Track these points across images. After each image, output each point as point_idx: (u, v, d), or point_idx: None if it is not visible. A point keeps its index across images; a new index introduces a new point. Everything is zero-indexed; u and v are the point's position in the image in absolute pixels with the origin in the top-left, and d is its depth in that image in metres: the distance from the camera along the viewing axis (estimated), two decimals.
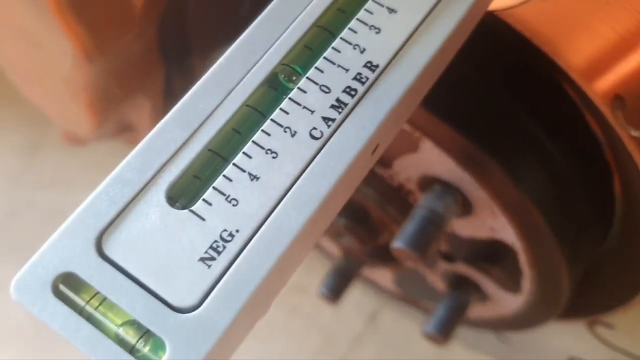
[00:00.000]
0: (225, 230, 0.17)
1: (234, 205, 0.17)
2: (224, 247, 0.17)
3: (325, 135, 0.18)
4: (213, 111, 0.18)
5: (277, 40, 0.19)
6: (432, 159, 0.32)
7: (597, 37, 0.27)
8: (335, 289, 0.44)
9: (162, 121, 0.18)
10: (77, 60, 0.34)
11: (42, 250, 0.16)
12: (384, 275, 0.47)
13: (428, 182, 0.34)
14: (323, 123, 0.18)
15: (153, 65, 0.41)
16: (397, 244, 0.32)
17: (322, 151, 0.18)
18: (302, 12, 0.20)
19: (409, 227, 0.32)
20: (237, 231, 0.17)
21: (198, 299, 0.16)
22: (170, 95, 0.48)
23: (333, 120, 0.18)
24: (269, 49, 0.19)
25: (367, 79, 0.19)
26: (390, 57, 0.19)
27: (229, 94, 0.19)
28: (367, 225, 0.39)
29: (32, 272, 0.16)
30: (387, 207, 0.37)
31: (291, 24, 0.20)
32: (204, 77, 0.19)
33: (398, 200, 0.36)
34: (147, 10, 0.34)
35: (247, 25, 0.36)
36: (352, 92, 0.19)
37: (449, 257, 0.39)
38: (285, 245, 0.17)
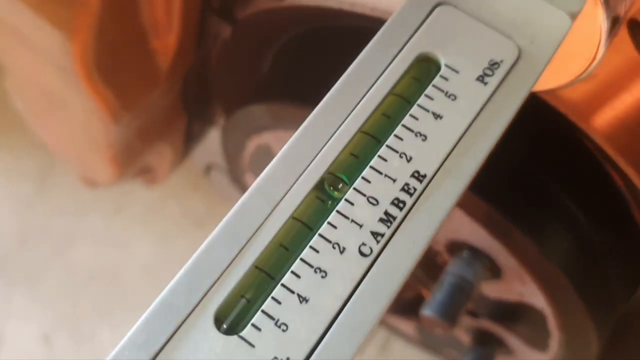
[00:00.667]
0: (275, 357, 0.16)
1: (283, 330, 0.17)
2: None
3: (375, 251, 0.18)
4: (261, 225, 0.18)
5: (323, 147, 0.19)
6: (461, 226, 0.32)
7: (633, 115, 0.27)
8: None
9: (209, 238, 0.18)
10: (103, 121, 0.34)
11: None
12: (406, 324, 0.46)
13: (457, 247, 0.33)
14: (372, 238, 0.18)
15: (176, 116, 0.41)
16: (427, 312, 0.32)
17: (372, 270, 0.18)
18: (348, 116, 0.19)
19: (438, 295, 0.32)
20: (288, 359, 0.16)
21: None
22: (189, 138, 0.47)
23: (382, 235, 0.18)
24: (315, 156, 0.19)
25: (415, 189, 0.19)
26: (437, 166, 0.19)
27: (276, 205, 0.18)
28: None
29: None
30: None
31: (337, 129, 0.19)
32: (250, 190, 0.18)
33: (425, 260, 0.36)
34: (173, 71, 0.34)
35: (268, 84, 0.36)
36: (401, 205, 0.18)
37: (473, 314, 0.39)
38: None
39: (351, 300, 0.17)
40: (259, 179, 0.19)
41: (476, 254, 0.33)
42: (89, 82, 0.31)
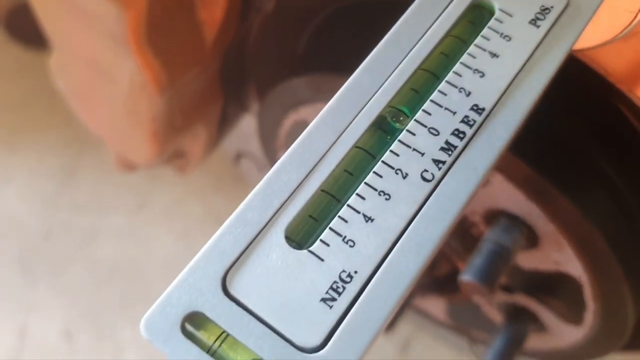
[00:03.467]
0: (344, 271, 0.17)
1: (350, 246, 0.17)
2: (344, 287, 0.17)
3: (437, 177, 0.18)
4: (325, 153, 0.19)
5: (383, 83, 0.20)
6: (500, 193, 0.32)
7: None
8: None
9: (279, 162, 0.18)
10: (148, 92, 0.35)
11: (170, 289, 0.17)
12: (435, 305, 0.47)
13: (494, 215, 0.34)
14: (434, 165, 0.19)
15: (213, 97, 0.42)
16: (467, 277, 0.32)
17: (435, 193, 0.18)
18: (406, 56, 0.20)
19: (477, 260, 0.32)
20: (356, 272, 0.17)
21: (322, 340, 0.16)
22: (224, 123, 0.48)
23: (443, 162, 0.19)
24: (376, 92, 0.20)
25: (475, 122, 0.19)
26: (495, 101, 0.20)
27: (340, 135, 0.19)
28: None
29: (161, 312, 0.16)
30: (449, 239, 0.37)
31: (396, 67, 0.20)
32: (315, 120, 0.19)
33: (461, 232, 0.36)
34: (216, 45, 0.35)
35: (305, 60, 0.37)
36: (461, 135, 0.19)
37: (507, 288, 0.39)
38: (404, 288, 0.17)
39: (415, 220, 0.18)
40: (323, 111, 0.19)
41: (514, 221, 0.33)
42: (140, 51, 0.32)
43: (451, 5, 0.21)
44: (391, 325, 0.45)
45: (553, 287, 0.36)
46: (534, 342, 0.42)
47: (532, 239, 0.34)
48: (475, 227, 0.36)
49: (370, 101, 0.20)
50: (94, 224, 0.77)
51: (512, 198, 0.32)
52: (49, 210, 0.78)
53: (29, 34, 0.40)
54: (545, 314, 0.39)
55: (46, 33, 0.38)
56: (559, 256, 0.33)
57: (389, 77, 0.20)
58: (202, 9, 0.32)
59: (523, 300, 0.39)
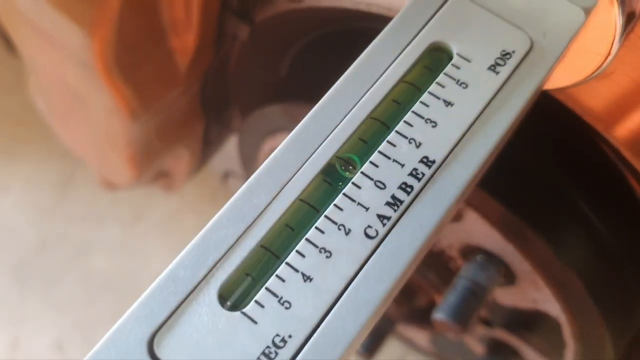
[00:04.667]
0: (277, 335, 0.16)
1: (286, 308, 0.17)
2: (276, 353, 0.16)
3: (381, 234, 0.18)
4: (267, 206, 0.18)
5: (332, 132, 0.19)
6: (475, 230, 0.31)
7: None
8: (370, 348, 0.43)
9: (216, 216, 0.18)
10: (122, 118, 0.34)
11: (94, 351, 0.16)
12: (419, 334, 0.46)
13: (470, 251, 0.33)
14: (378, 221, 0.18)
15: (194, 118, 0.41)
16: (439, 316, 0.31)
17: (377, 251, 0.17)
18: (357, 102, 0.20)
19: (451, 298, 0.32)
20: (290, 337, 0.16)
21: None
22: (208, 144, 0.48)
23: (388, 218, 0.18)
24: (323, 141, 0.19)
25: (424, 174, 0.19)
26: (447, 152, 0.19)
27: (283, 187, 0.18)
28: (404, 288, 0.38)
29: None
30: (427, 272, 0.36)
31: (346, 115, 0.19)
32: (258, 170, 0.19)
33: (438, 266, 0.35)
34: (191, 71, 0.35)
35: (288, 87, 0.37)
36: (408, 189, 0.18)
37: (487, 323, 0.38)
38: (339, 354, 0.16)
39: (355, 280, 0.17)
40: (267, 160, 0.19)
41: (490, 258, 0.32)
42: (109, 79, 0.31)
43: (410, 45, 0.21)
44: (372, 353, 0.45)
45: (533, 325, 0.35)
46: None
47: (509, 277, 0.33)
48: (452, 262, 0.35)
49: (317, 151, 0.19)
50: (89, 236, 0.77)
51: (487, 235, 0.31)
52: (44, 221, 0.78)
53: None
54: (526, 350, 0.38)
55: (21, 57, 0.38)
56: (537, 295, 0.33)
57: (337, 125, 0.19)
58: (174, 37, 0.32)
59: (503, 335, 0.38)
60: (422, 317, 0.40)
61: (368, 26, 0.31)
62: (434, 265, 0.36)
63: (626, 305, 0.32)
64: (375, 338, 0.43)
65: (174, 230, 0.77)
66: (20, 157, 0.81)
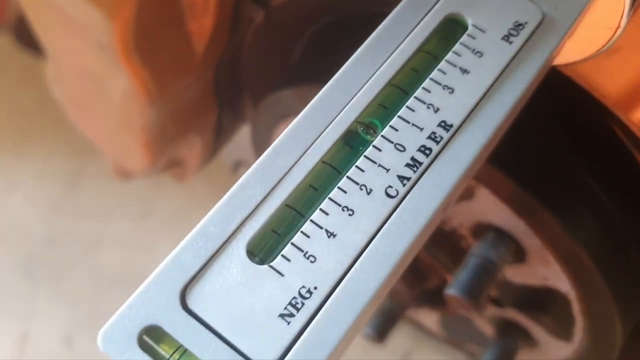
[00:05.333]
0: (303, 286, 0.17)
1: (311, 262, 0.17)
2: (303, 303, 0.17)
3: (401, 193, 0.18)
4: (291, 168, 0.19)
5: (352, 98, 0.20)
6: (487, 207, 0.32)
7: None
8: (381, 330, 0.44)
9: (244, 176, 0.19)
10: (139, 102, 0.35)
11: (129, 302, 0.17)
12: (429, 317, 0.46)
13: (481, 229, 0.34)
14: (398, 182, 0.19)
15: (207, 106, 0.42)
16: (451, 291, 0.32)
17: (398, 210, 0.18)
18: (376, 71, 0.20)
19: (463, 274, 0.32)
20: (315, 288, 0.17)
21: (278, 356, 0.16)
22: (220, 133, 0.49)
23: (408, 179, 0.19)
24: (344, 107, 0.20)
25: (442, 138, 0.19)
26: (464, 117, 0.20)
27: (306, 150, 0.19)
28: (415, 270, 0.39)
29: (119, 324, 0.16)
30: (438, 253, 0.37)
31: (366, 82, 0.20)
32: (283, 134, 0.19)
33: (449, 245, 0.36)
34: (207, 55, 0.35)
35: (299, 70, 0.37)
36: (427, 152, 0.19)
37: (498, 303, 0.39)
38: (363, 305, 0.17)
39: (377, 236, 0.18)
40: (291, 125, 0.20)
41: (501, 236, 0.33)
42: (128, 61, 0.32)
43: (425, 19, 0.21)
44: (383, 336, 0.45)
45: (542, 302, 0.36)
46: (525, 356, 0.42)
47: (519, 254, 0.33)
48: (463, 240, 0.36)
49: (339, 116, 0.20)
50: (98, 231, 0.78)
51: (498, 212, 0.32)
52: (53, 216, 0.78)
53: (38, 41, 0.41)
54: (536, 329, 0.38)
55: (40, 42, 0.39)
56: (547, 272, 0.33)
57: (358, 92, 0.20)
58: (192, 20, 0.33)
59: (513, 314, 0.39)
60: (433, 298, 0.41)
61: (384, 11, 0.32)
62: (445, 245, 0.36)
63: (635, 282, 0.33)
64: (385, 320, 0.44)
65: (183, 224, 0.77)
66: (29, 152, 0.82)
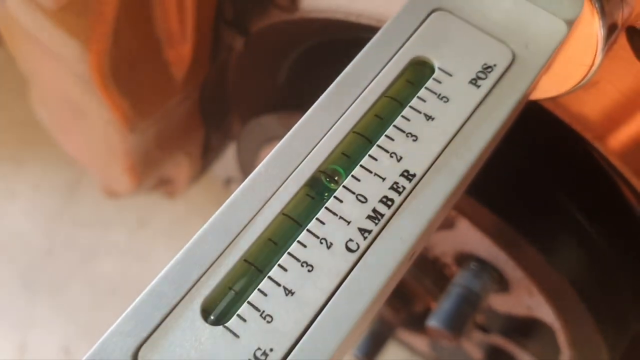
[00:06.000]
0: (259, 348, 0.17)
1: (268, 322, 0.17)
2: None
3: (362, 247, 0.18)
4: (251, 219, 0.18)
5: (314, 147, 0.19)
6: (468, 237, 0.32)
7: (637, 123, 0.27)
8: (369, 353, 0.44)
9: (200, 231, 0.18)
10: (119, 129, 0.35)
11: None
12: (418, 339, 0.46)
13: (464, 258, 0.33)
14: (359, 235, 0.18)
15: (193, 126, 0.42)
16: (433, 323, 0.32)
17: (358, 265, 0.18)
18: (340, 117, 0.20)
19: (445, 305, 0.32)
20: (271, 350, 0.17)
21: None
22: (209, 151, 0.48)
23: (369, 231, 0.18)
24: (306, 156, 0.19)
25: (404, 188, 0.19)
26: (427, 166, 0.19)
27: (266, 201, 0.19)
28: (401, 295, 0.39)
29: None
30: (422, 279, 0.36)
31: (329, 130, 0.20)
32: (242, 185, 0.19)
33: (433, 272, 0.36)
34: (188, 82, 0.35)
35: (285, 95, 0.37)
36: (389, 203, 0.19)
37: (484, 329, 0.38)
38: None
39: (336, 294, 0.17)
40: (251, 175, 0.19)
41: (484, 265, 0.32)
42: (105, 91, 0.32)
43: (392, 60, 0.21)
44: (372, 359, 0.45)
45: (528, 331, 0.35)
46: None
47: (503, 284, 0.33)
48: (447, 268, 0.35)
49: (300, 166, 0.19)
50: (96, 241, 0.78)
51: (479, 243, 0.31)
52: (51, 227, 0.78)
53: None
54: (523, 356, 0.38)
55: (20, 68, 0.38)
56: (531, 301, 0.33)
57: (320, 140, 0.20)
58: (169, 48, 0.32)
59: (500, 341, 0.38)
60: (419, 322, 0.41)
61: (359, 36, 0.31)
62: (429, 271, 0.36)
63: (620, 311, 0.32)
64: (374, 343, 0.44)
65: (179, 234, 0.77)
66: (27, 163, 0.82)
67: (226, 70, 0.39)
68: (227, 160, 0.53)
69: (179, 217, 0.78)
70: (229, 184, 0.58)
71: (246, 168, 0.42)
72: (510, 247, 0.30)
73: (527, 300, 0.33)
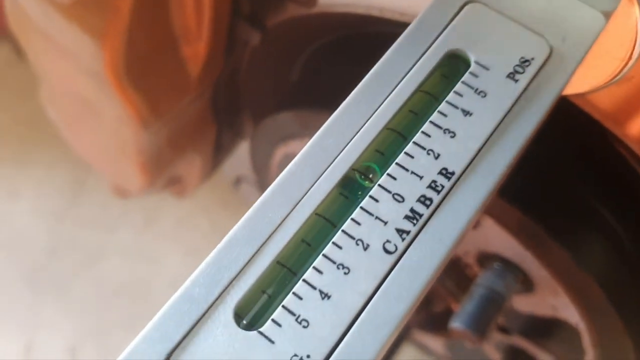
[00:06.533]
0: (295, 355, 0.16)
1: (304, 327, 0.16)
2: None
3: (400, 249, 0.17)
4: (282, 221, 0.18)
5: (347, 144, 0.19)
6: (492, 237, 0.31)
7: None
8: (385, 353, 0.43)
9: (230, 232, 0.17)
10: (133, 127, 0.34)
11: None
12: (434, 340, 0.45)
13: (487, 258, 0.32)
14: (397, 236, 0.17)
15: (206, 124, 0.41)
16: (457, 324, 0.31)
17: (397, 267, 0.17)
18: (373, 113, 0.19)
19: (469, 306, 0.31)
20: (308, 357, 0.16)
21: None
22: (220, 150, 0.48)
23: (408, 232, 0.17)
24: (339, 154, 0.19)
25: (443, 187, 0.18)
26: (466, 164, 0.18)
27: (298, 202, 0.18)
28: None
29: None
30: (444, 279, 0.35)
31: (362, 126, 0.19)
32: (272, 185, 0.18)
33: (455, 272, 0.35)
34: (203, 78, 0.34)
35: (300, 92, 0.36)
36: (427, 202, 0.18)
37: (505, 330, 0.38)
38: None
39: (374, 297, 0.17)
40: (282, 174, 0.18)
41: (507, 265, 0.32)
42: (119, 88, 0.31)
43: (426, 54, 0.20)
44: (386, 359, 0.44)
45: (551, 332, 0.35)
46: None
47: (527, 284, 0.32)
48: (469, 269, 0.35)
49: (332, 164, 0.18)
50: (101, 241, 0.77)
51: (504, 243, 0.30)
52: (56, 227, 0.78)
53: None
54: (543, 357, 0.37)
55: (32, 67, 0.38)
56: (555, 302, 0.32)
57: (353, 137, 0.19)
58: (185, 45, 0.31)
59: (521, 342, 0.37)
60: (438, 323, 0.40)
61: (380, 31, 0.31)
62: (450, 272, 0.35)
63: None
64: (391, 343, 0.43)
65: (186, 234, 0.77)
66: (32, 162, 0.81)
67: (240, 67, 0.39)
68: (236, 159, 0.53)
69: (185, 217, 0.78)
70: (238, 183, 0.57)
71: (260, 168, 0.41)
72: (536, 246, 0.29)
73: (551, 300, 0.32)
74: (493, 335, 0.39)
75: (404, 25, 0.25)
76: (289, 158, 0.37)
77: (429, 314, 0.40)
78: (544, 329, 0.35)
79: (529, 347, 0.37)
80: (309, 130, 0.33)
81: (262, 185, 0.46)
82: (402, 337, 0.44)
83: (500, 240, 0.30)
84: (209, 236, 0.75)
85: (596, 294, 0.30)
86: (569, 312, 0.32)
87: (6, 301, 0.73)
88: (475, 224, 0.31)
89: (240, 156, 0.52)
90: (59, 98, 0.39)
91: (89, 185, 0.80)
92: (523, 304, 0.34)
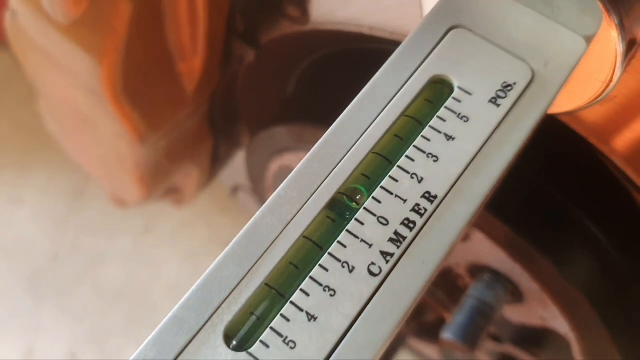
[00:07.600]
0: None
1: (291, 348, 0.17)
2: None
3: (384, 271, 0.18)
4: (272, 243, 0.18)
5: (334, 168, 0.19)
6: (482, 249, 0.31)
7: None
8: None
9: (221, 255, 0.18)
10: (130, 142, 0.34)
11: None
12: (429, 348, 0.46)
13: (478, 270, 0.33)
14: (381, 258, 0.18)
15: (203, 136, 0.42)
16: (448, 335, 0.31)
17: (381, 289, 0.18)
18: (359, 138, 0.20)
19: (459, 317, 0.32)
20: None
21: None
22: (216, 160, 0.48)
23: (392, 255, 0.18)
24: (326, 177, 0.19)
25: (426, 210, 0.19)
26: (448, 187, 0.19)
27: (287, 225, 0.19)
28: None
29: None
30: (435, 290, 0.36)
31: (349, 150, 0.20)
32: (261, 209, 0.19)
33: (446, 283, 0.36)
34: (198, 94, 0.35)
35: (294, 107, 0.37)
36: (411, 225, 0.18)
37: (497, 339, 0.38)
38: None
39: (359, 319, 0.17)
40: (271, 198, 0.19)
41: (497, 277, 0.32)
42: (116, 104, 0.32)
43: (411, 79, 0.21)
44: None
45: (541, 341, 0.35)
46: None
47: (517, 295, 0.33)
48: (460, 279, 0.35)
49: (320, 187, 0.19)
50: (102, 247, 0.78)
51: (493, 255, 0.31)
52: (57, 232, 0.79)
53: None
54: None
55: (29, 79, 0.38)
56: (545, 313, 0.33)
57: (341, 160, 0.19)
58: (181, 61, 0.32)
59: (513, 351, 0.38)
60: (430, 333, 0.40)
61: (370, 47, 0.31)
62: (442, 282, 0.36)
63: (635, 322, 0.32)
64: (385, 353, 0.43)
65: (185, 240, 0.77)
66: (33, 168, 0.82)
67: (235, 82, 0.39)
68: (234, 168, 0.53)
69: (184, 224, 0.78)
70: (235, 191, 0.58)
71: (256, 179, 0.42)
72: (524, 259, 0.30)
73: (541, 311, 0.33)
74: (485, 344, 0.39)
75: (393, 43, 0.26)
76: (283, 170, 0.38)
77: (421, 324, 0.40)
78: (534, 338, 0.35)
79: (520, 356, 0.38)
80: (302, 144, 0.34)
81: (259, 195, 0.46)
82: (396, 347, 0.45)
83: (489, 253, 0.31)
84: (208, 243, 0.76)
85: (584, 306, 0.30)
86: (558, 323, 0.32)
87: (7, 306, 0.73)
88: (465, 237, 0.31)
89: (237, 166, 0.52)
90: (57, 111, 0.39)
91: (90, 191, 0.81)
92: (514, 314, 0.35)
